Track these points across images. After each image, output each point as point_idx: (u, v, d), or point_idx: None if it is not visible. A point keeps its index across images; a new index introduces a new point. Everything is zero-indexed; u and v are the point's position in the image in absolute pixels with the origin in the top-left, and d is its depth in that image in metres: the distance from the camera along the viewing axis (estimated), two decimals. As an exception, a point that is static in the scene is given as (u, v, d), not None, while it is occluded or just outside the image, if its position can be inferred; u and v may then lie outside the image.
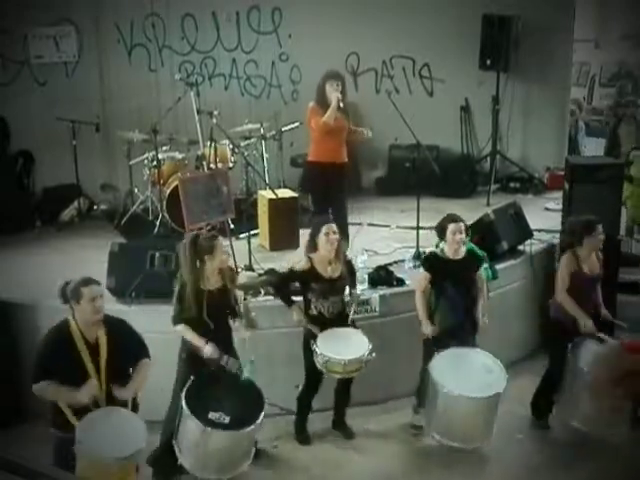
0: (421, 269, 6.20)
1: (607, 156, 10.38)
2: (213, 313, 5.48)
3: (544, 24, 9.82)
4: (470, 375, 5.59)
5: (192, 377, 5.25)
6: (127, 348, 4.89)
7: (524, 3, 9.72)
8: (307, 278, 5.97)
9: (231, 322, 5.65)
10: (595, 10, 16.48)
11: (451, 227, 5.98)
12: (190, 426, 5.04)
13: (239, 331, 5.65)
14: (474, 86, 10.21)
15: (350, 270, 6.19)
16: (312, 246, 6.00)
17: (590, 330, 5.89)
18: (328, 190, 7.45)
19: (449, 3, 9.81)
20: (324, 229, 5.94)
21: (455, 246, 6.00)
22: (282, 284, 6.23)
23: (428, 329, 5.93)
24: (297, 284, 6.12)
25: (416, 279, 6.26)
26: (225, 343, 5.54)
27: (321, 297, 5.95)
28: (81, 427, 4.60)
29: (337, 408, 6.33)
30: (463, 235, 6.02)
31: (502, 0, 9.63)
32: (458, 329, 5.98)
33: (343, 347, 5.77)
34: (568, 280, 6.10)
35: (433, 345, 5.91)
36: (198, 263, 5.45)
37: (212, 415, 5.04)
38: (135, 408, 4.94)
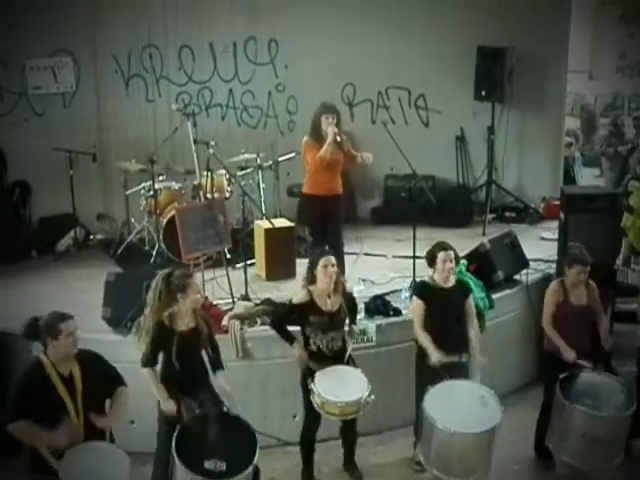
0: (414, 297, 6.13)
1: (617, 185, 10.38)
2: (184, 355, 5.27)
3: (538, 55, 9.92)
4: (465, 409, 5.46)
5: (178, 426, 4.99)
6: (102, 378, 4.87)
7: (518, 35, 9.80)
8: (306, 311, 5.83)
9: (207, 363, 5.46)
10: (589, 42, 16.69)
11: (441, 255, 5.96)
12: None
13: (218, 379, 5.43)
14: (469, 117, 10.27)
15: (351, 304, 6.05)
16: (310, 278, 5.87)
17: (571, 361, 5.86)
18: (325, 222, 7.43)
19: (444, 35, 9.90)
20: (322, 262, 5.81)
21: (445, 274, 5.97)
22: (282, 320, 6.03)
23: (436, 356, 5.73)
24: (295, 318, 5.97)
25: (412, 309, 6.18)
26: (197, 385, 5.35)
27: (320, 332, 5.81)
28: (63, 467, 4.55)
29: (345, 447, 6.19)
30: (453, 264, 6.00)
31: (497, 32, 9.72)
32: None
33: (341, 388, 5.60)
34: (551, 308, 6.09)
35: (427, 374, 5.82)
36: (170, 301, 5.25)
37: (208, 464, 4.75)
38: (112, 440, 4.90)
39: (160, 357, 5.30)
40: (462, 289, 6.18)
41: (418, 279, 7.27)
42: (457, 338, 5.94)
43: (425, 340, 5.86)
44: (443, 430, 5.32)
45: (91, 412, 4.74)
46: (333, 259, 5.88)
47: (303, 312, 5.84)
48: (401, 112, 10.38)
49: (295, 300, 5.90)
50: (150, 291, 5.32)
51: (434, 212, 8.79)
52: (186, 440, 4.86)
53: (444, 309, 5.94)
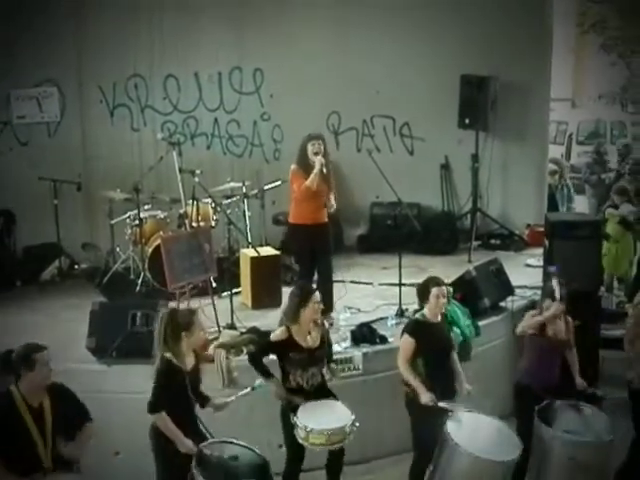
0: (405, 335, 5.93)
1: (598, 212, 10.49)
2: (191, 394, 5.23)
3: (521, 84, 10.02)
4: (487, 439, 5.35)
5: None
6: (71, 412, 4.88)
7: (501, 64, 9.90)
8: (285, 348, 5.71)
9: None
10: (571, 70, 16.86)
11: (434, 291, 5.89)
12: None
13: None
14: (454, 144, 10.33)
15: (327, 341, 5.95)
16: (294, 317, 5.73)
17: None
18: (313, 252, 7.40)
19: (427, 64, 10.00)
20: (313, 300, 5.72)
21: (437, 310, 5.93)
22: (258, 355, 5.92)
23: (427, 397, 5.61)
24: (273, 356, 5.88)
25: (402, 347, 5.93)
26: (195, 426, 5.29)
27: (300, 369, 5.71)
28: None
29: (329, 477, 5.99)
30: (446, 300, 5.96)
31: (480, 61, 9.82)
32: (446, 392, 5.81)
33: (325, 418, 5.53)
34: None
35: (424, 413, 5.67)
36: (175, 340, 5.18)
37: None
38: (79, 471, 4.90)
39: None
40: (446, 320, 6.21)
41: (404, 306, 7.39)
42: (448, 373, 5.92)
43: (414, 381, 5.75)
44: (468, 456, 5.17)
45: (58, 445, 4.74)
46: (319, 295, 5.83)
47: (282, 349, 5.75)
48: (386, 140, 10.45)
49: (273, 337, 5.80)
50: (155, 332, 5.26)
51: (419, 239, 8.85)
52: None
53: (435, 344, 5.88)
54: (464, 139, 10.19)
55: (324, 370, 5.87)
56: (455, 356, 6.06)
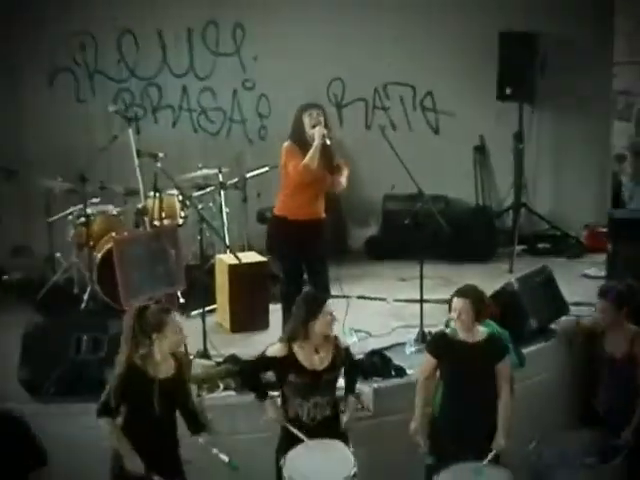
0: (425, 352, 6.15)
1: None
2: (161, 409, 5.27)
3: (577, 43, 10.07)
4: None
5: None
6: (21, 453, 4.88)
7: (552, 17, 9.97)
8: (283, 368, 5.78)
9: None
10: (640, 25, 16.72)
11: (454, 303, 5.94)
12: None
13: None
14: (491, 120, 10.37)
15: (348, 362, 6.01)
16: (301, 333, 5.77)
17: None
18: (302, 254, 7.42)
19: (458, 17, 10.06)
20: (324, 312, 5.76)
21: (460, 326, 5.92)
22: (252, 372, 6.06)
23: (418, 437, 5.90)
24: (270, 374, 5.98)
25: (421, 366, 6.21)
26: (170, 454, 5.40)
27: (299, 396, 5.76)
28: None
29: None
30: (469, 316, 5.89)
31: (524, 14, 9.88)
32: (466, 437, 5.84)
33: (317, 467, 5.49)
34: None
35: (430, 457, 5.84)
36: (144, 342, 5.29)
37: None
38: None
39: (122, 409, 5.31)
40: (495, 347, 6.08)
41: (427, 329, 7.38)
42: (477, 418, 5.91)
43: (418, 407, 5.94)
44: None
45: None
46: (330, 304, 5.92)
47: (280, 368, 5.81)
48: (404, 115, 10.50)
49: (270, 353, 5.85)
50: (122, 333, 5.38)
51: (447, 243, 8.84)
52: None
53: (463, 373, 5.90)
54: (504, 114, 10.21)
55: (342, 403, 5.92)
56: (504, 397, 5.97)
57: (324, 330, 5.77)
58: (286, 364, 5.77)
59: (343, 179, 7.35)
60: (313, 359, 5.79)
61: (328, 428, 5.81)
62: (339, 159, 7.39)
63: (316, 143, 7.08)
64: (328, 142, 7.14)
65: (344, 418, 5.91)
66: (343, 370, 5.98)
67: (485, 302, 5.98)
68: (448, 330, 6.09)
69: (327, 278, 7.59)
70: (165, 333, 5.30)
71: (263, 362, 5.96)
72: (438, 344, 6.06)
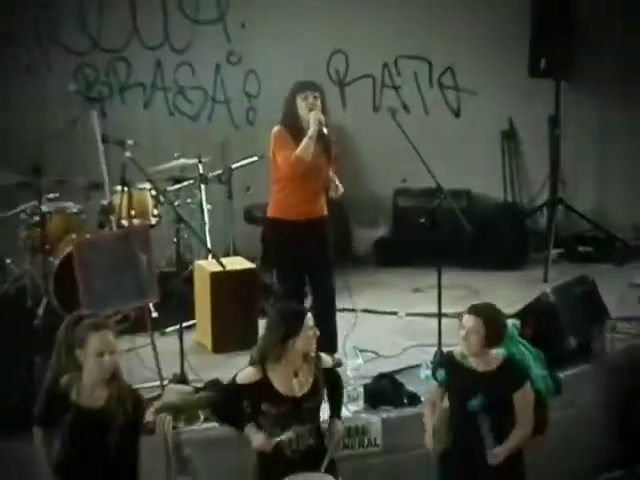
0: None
1: None
2: (81, 445, 5.21)
3: (625, 8, 10.00)
4: None
5: None
6: None
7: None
8: (256, 396, 5.77)
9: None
10: None
11: (463, 320, 5.98)
12: None
13: None
14: (521, 101, 10.43)
15: (332, 384, 6.01)
16: (277, 354, 5.75)
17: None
18: (303, 262, 7.43)
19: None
20: (305, 326, 5.73)
21: (466, 351, 5.93)
22: (225, 405, 6.10)
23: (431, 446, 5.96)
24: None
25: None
26: None
27: (279, 427, 5.73)
28: None
29: None
30: (476, 338, 5.85)
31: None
32: (480, 470, 5.86)
33: None
34: None
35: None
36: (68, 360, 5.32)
37: None
38: None
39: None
40: (510, 377, 6.03)
41: (446, 349, 7.25)
42: (482, 458, 5.87)
43: (427, 423, 6.00)
44: None
45: None
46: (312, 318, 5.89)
47: (252, 397, 5.81)
48: (418, 94, 10.56)
49: (240, 379, 5.83)
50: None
51: (470, 246, 8.94)
52: None
53: (475, 400, 5.86)
54: (537, 92, 10.23)
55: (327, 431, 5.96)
56: (521, 431, 5.96)
57: (306, 347, 5.76)
58: (259, 391, 5.79)
59: (338, 183, 7.44)
60: (292, 384, 5.80)
61: (314, 459, 5.82)
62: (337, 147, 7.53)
63: (311, 132, 7.15)
64: (325, 131, 7.18)
65: (330, 446, 5.93)
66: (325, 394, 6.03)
67: (500, 326, 5.96)
68: (457, 351, 6.06)
69: (333, 289, 7.71)
70: (89, 351, 5.19)
71: (233, 391, 5.96)
72: (445, 369, 6.08)
